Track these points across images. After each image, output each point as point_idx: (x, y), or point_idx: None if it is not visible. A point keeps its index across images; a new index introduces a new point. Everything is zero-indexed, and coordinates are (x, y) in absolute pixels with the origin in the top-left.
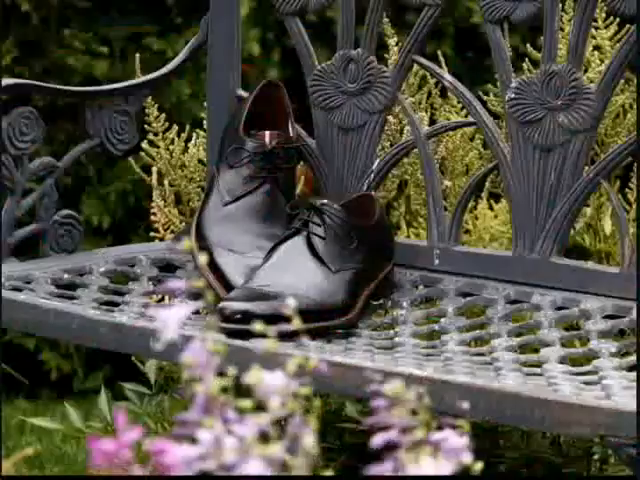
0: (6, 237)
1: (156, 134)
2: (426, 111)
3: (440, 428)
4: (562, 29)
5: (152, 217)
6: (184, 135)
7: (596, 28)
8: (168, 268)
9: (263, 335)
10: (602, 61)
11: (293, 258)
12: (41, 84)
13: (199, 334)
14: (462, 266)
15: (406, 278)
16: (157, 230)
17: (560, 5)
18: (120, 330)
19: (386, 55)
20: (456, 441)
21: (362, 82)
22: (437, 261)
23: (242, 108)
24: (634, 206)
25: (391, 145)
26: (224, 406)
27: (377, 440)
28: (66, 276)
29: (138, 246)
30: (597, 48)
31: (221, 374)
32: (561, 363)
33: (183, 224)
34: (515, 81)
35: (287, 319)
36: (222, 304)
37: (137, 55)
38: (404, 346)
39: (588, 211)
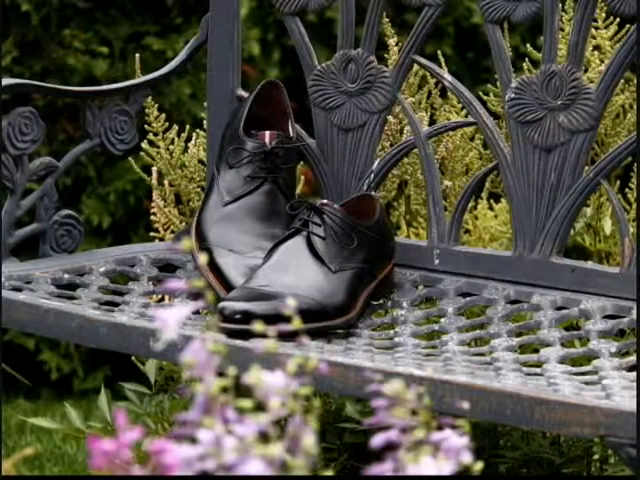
0: (6, 237)
1: (156, 134)
2: (426, 111)
3: (440, 428)
4: (562, 29)
5: (152, 217)
6: (184, 135)
7: (596, 28)
8: (168, 268)
9: (263, 335)
10: (602, 61)
11: (293, 258)
12: (41, 84)
13: (199, 334)
14: (462, 266)
15: (406, 278)
16: (157, 230)
17: (560, 5)
18: (120, 330)
19: (386, 55)
20: (456, 441)
21: (362, 82)
22: (437, 261)
23: (242, 108)
24: (634, 206)
25: (391, 145)
26: (224, 406)
27: (377, 440)
28: (66, 276)
29: (138, 246)
30: (597, 48)
31: (221, 374)
32: (561, 363)
33: (183, 224)
34: (515, 81)
35: (287, 319)
36: (222, 304)
37: (137, 55)
38: (404, 346)
39: (588, 211)
